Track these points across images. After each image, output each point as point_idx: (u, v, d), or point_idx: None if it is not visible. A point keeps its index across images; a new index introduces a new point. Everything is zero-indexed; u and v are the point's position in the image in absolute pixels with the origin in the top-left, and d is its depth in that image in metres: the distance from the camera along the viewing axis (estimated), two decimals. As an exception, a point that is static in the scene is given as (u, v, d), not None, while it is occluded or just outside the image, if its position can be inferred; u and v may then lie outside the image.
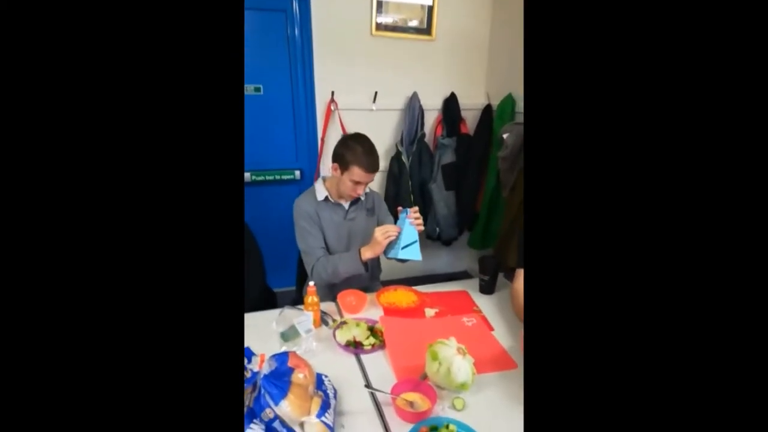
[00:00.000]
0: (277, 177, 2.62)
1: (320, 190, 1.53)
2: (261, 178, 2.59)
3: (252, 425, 0.76)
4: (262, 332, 1.20)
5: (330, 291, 1.56)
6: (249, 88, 2.46)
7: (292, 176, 2.65)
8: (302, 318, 1.20)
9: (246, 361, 1.05)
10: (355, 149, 1.39)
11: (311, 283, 1.23)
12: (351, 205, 1.56)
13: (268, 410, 0.77)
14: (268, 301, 1.70)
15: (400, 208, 1.41)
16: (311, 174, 2.66)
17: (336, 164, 1.46)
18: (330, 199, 1.53)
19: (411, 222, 1.35)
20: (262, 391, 0.78)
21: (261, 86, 2.47)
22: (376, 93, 2.57)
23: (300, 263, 1.73)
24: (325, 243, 1.54)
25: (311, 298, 1.22)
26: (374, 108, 2.60)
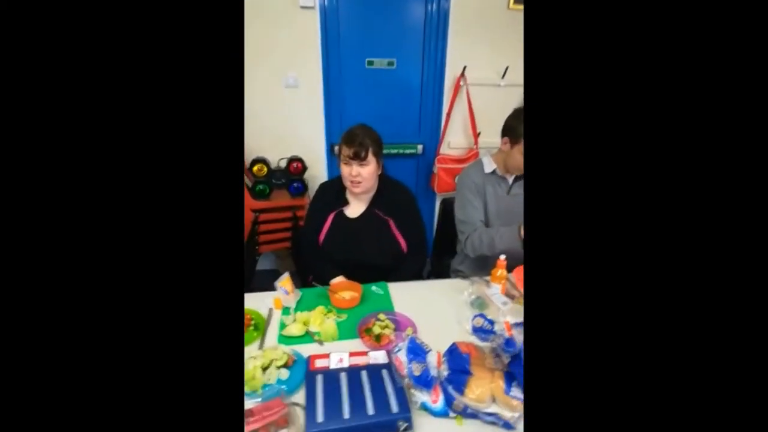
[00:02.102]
0: (400, 151, 2.70)
1: (488, 163, 1.57)
2: (385, 151, 2.65)
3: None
4: (455, 299, 1.28)
5: (482, 264, 1.60)
6: (383, 62, 2.52)
7: (414, 150, 2.71)
8: (492, 290, 1.27)
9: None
10: None
11: (502, 257, 1.29)
12: (515, 180, 1.58)
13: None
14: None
15: None
16: (433, 149, 2.71)
17: (506, 138, 1.48)
18: (497, 172, 1.56)
19: None
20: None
21: (395, 60, 2.52)
22: (506, 68, 2.53)
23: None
24: (485, 216, 1.58)
25: (500, 271, 1.29)
26: (502, 84, 2.57)
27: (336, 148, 2.41)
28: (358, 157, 1.40)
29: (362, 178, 1.43)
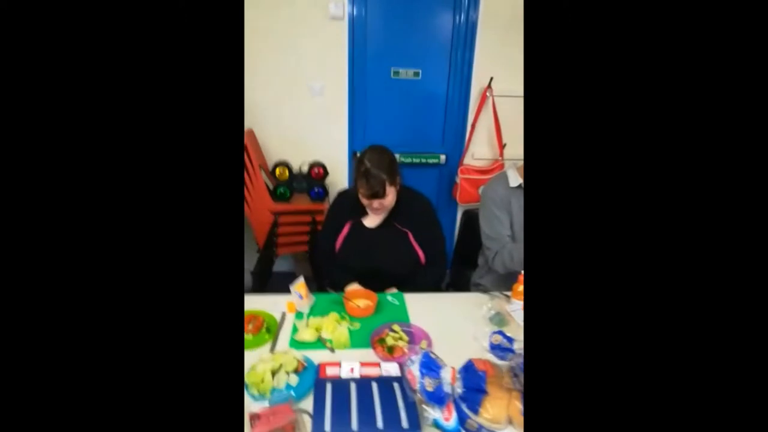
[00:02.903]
0: (423, 160, 2.68)
1: (513, 177, 1.53)
2: (408, 160, 2.66)
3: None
4: (473, 314, 1.24)
5: (504, 279, 1.56)
6: (408, 73, 2.52)
7: (437, 160, 2.68)
8: (513, 306, 1.23)
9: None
10: None
11: (522, 271, 1.25)
12: (543, 195, 1.54)
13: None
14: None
15: None
16: (456, 159, 2.68)
17: None
18: (523, 186, 1.52)
19: None
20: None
21: (420, 70, 2.51)
22: (534, 81, 2.49)
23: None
24: (511, 230, 1.54)
25: (522, 286, 1.24)
26: (530, 97, 2.53)
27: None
28: (377, 197, 1.35)
29: (382, 206, 1.40)
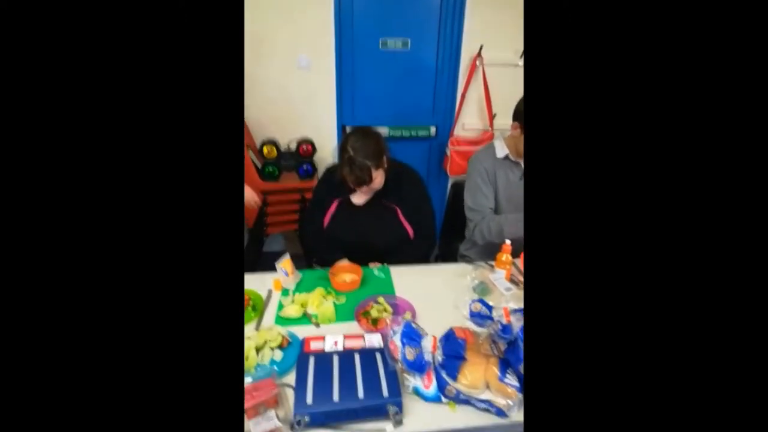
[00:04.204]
0: (413, 133, 2.65)
1: (500, 147, 1.51)
2: (398, 133, 2.63)
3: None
4: (458, 284, 1.25)
5: (490, 250, 1.56)
6: (397, 43, 2.45)
7: (427, 132, 2.65)
8: (496, 275, 1.24)
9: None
10: None
11: (507, 242, 1.25)
12: (528, 166, 1.53)
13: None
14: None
15: None
16: (446, 131, 2.65)
17: (517, 123, 1.43)
18: (510, 157, 1.51)
19: None
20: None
21: (409, 40, 2.45)
22: (524, 48, 2.43)
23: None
24: (496, 202, 1.54)
25: (505, 256, 1.25)
26: (520, 64, 2.48)
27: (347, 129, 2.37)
28: (363, 184, 1.33)
29: (370, 189, 1.38)
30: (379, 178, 1.35)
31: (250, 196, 1.78)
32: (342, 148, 1.34)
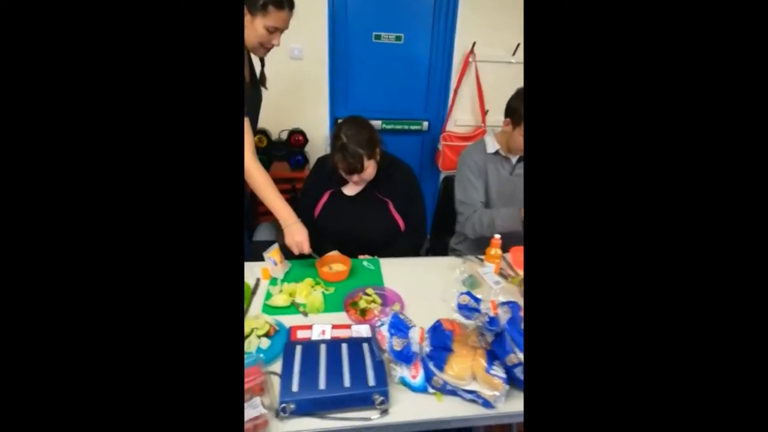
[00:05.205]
0: (405, 127, 2.65)
1: (491, 143, 1.52)
2: (390, 126, 2.63)
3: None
4: (447, 277, 1.26)
5: (480, 244, 1.57)
6: (390, 37, 2.45)
7: (419, 127, 2.66)
8: (486, 269, 1.24)
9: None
10: None
11: (497, 236, 1.26)
12: (519, 161, 1.54)
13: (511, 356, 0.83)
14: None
15: None
16: (439, 126, 2.65)
17: (508, 119, 1.43)
18: (501, 152, 1.51)
19: None
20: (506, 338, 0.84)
21: (402, 35, 2.44)
22: (518, 45, 2.44)
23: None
24: (487, 196, 1.55)
25: (495, 250, 1.25)
26: (513, 61, 2.49)
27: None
28: (355, 172, 1.33)
29: (361, 179, 1.37)
30: (370, 168, 1.34)
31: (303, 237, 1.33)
32: (335, 136, 1.33)
